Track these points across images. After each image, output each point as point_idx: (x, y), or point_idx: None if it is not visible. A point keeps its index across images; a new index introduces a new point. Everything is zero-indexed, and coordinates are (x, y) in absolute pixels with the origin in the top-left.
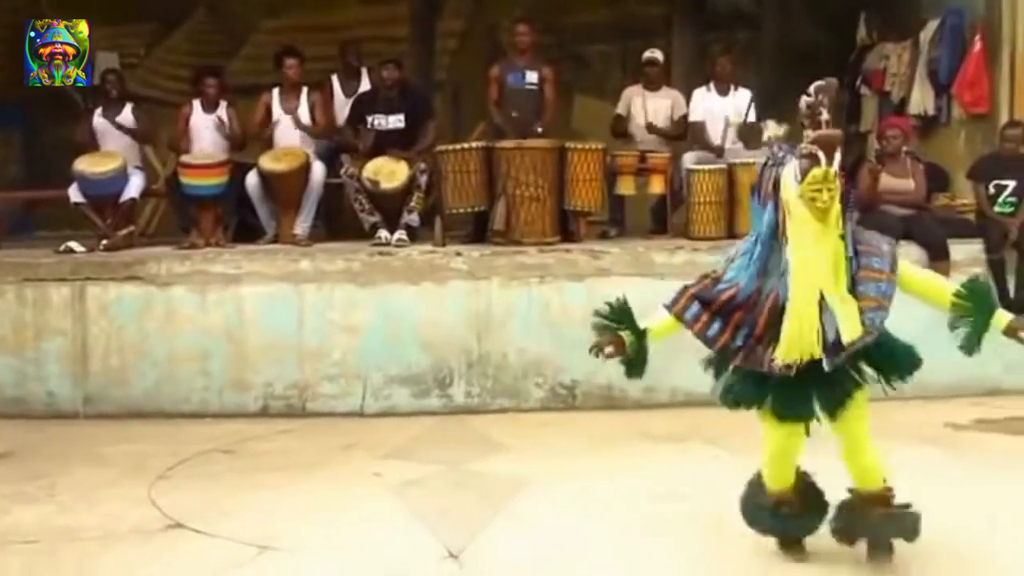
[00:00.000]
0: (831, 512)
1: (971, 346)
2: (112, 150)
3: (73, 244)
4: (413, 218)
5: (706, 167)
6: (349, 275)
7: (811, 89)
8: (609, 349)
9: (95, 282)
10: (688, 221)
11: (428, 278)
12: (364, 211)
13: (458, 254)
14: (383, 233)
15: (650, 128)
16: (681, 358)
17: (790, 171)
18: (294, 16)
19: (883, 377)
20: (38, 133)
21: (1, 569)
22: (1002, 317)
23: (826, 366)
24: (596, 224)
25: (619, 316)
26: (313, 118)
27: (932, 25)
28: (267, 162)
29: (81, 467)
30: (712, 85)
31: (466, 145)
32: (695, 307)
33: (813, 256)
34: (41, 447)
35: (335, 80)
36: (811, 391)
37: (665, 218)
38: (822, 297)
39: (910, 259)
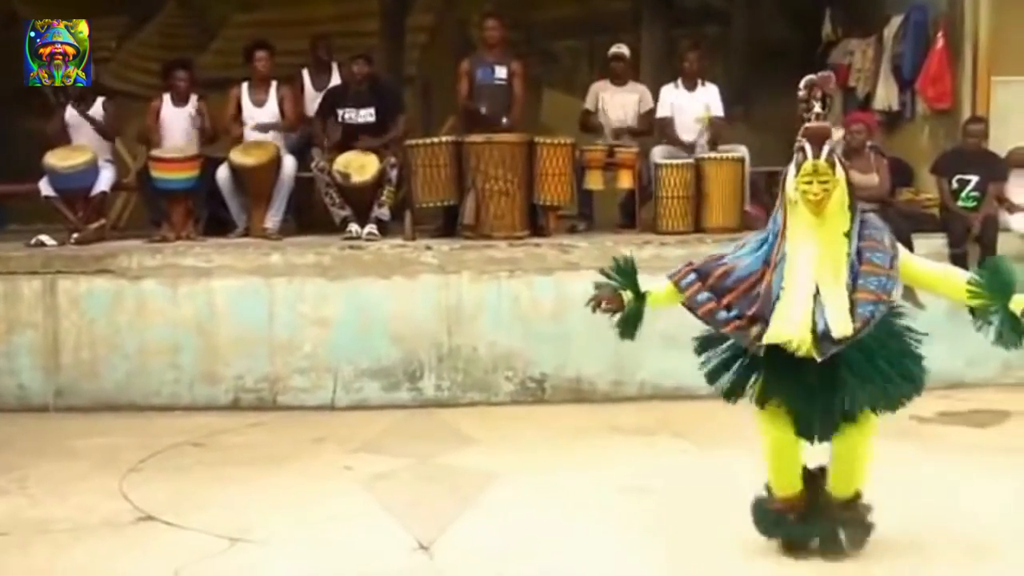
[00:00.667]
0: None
1: (1007, 339)
2: (83, 144)
3: (44, 237)
4: (383, 212)
5: (674, 162)
6: (320, 269)
7: (802, 83)
8: (606, 304)
9: (66, 275)
10: (656, 216)
11: (398, 272)
12: (335, 205)
13: (428, 248)
14: (354, 227)
15: (616, 133)
16: (650, 352)
17: (791, 167)
18: (265, 10)
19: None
20: (7, 126)
21: None
22: (1021, 300)
23: (817, 356)
24: (565, 218)
25: (624, 274)
26: (282, 111)
27: (896, 21)
28: (237, 156)
29: (52, 460)
30: (680, 81)
31: (436, 139)
32: (691, 276)
33: (809, 249)
34: (12, 440)
35: (305, 74)
36: (815, 399)
37: (634, 212)
38: (818, 291)
39: None
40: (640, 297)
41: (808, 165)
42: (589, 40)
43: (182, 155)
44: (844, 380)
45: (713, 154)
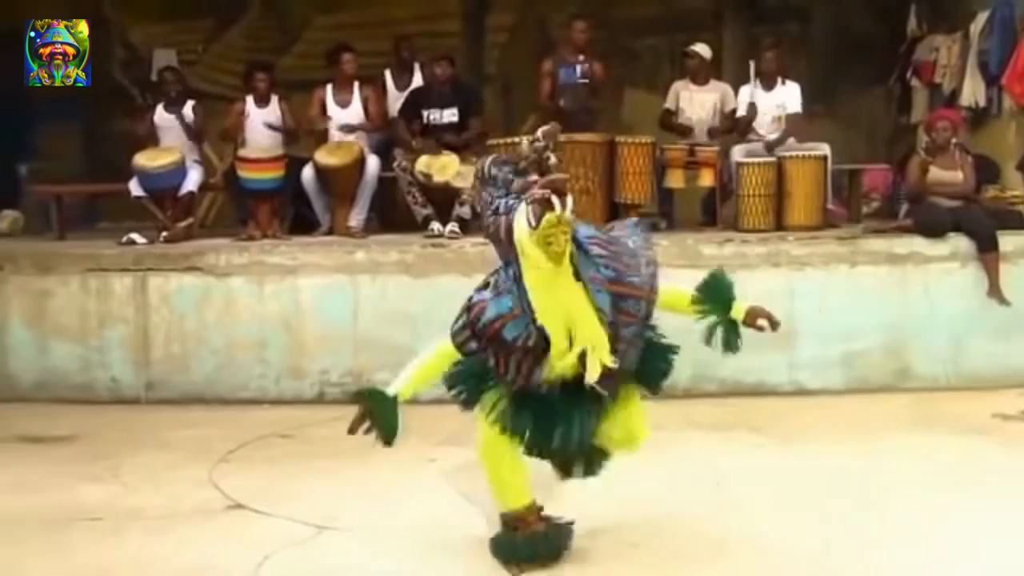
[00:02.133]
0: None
1: (731, 345)
2: (171, 145)
3: (135, 236)
4: (465, 210)
5: (755, 160)
6: (403, 266)
7: (538, 134)
8: (366, 424)
9: (156, 272)
10: (737, 213)
11: (480, 269)
12: (417, 204)
13: None
14: (436, 225)
15: (711, 133)
16: None
17: (522, 216)
18: (346, 12)
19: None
20: (99, 128)
21: (68, 544)
22: (740, 307)
23: (601, 390)
24: (646, 216)
25: (366, 396)
26: (366, 112)
27: (982, 17)
28: (322, 156)
29: (144, 450)
30: (758, 80)
31: (517, 139)
32: (473, 344)
33: (553, 298)
34: (105, 431)
35: (388, 75)
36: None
37: (715, 210)
38: (572, 329)
39: (959, 250)
40: (392, 403)
41: (553, 217)
42: (670, 39)
43: (268, 155)
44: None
45: (795, 152)
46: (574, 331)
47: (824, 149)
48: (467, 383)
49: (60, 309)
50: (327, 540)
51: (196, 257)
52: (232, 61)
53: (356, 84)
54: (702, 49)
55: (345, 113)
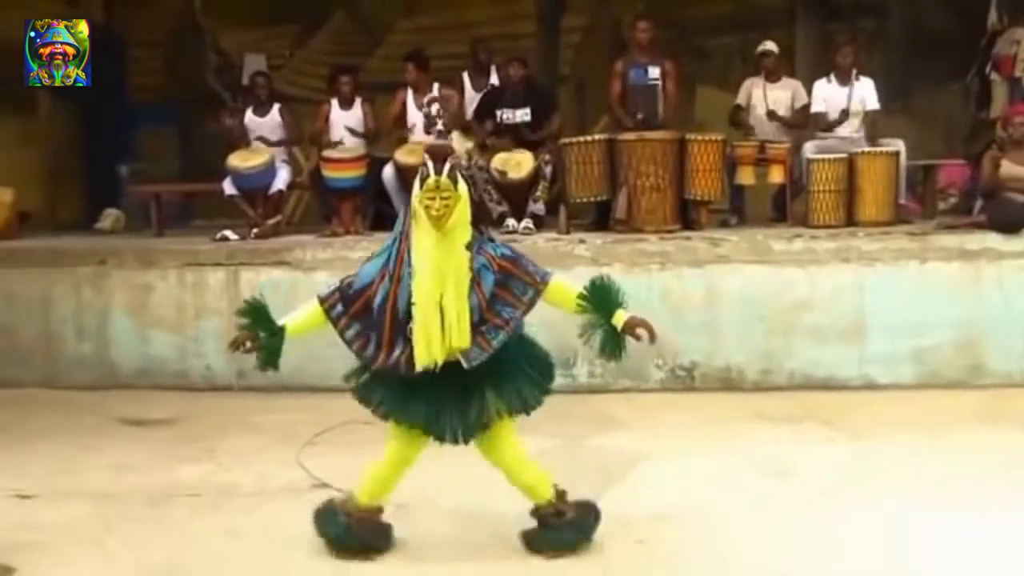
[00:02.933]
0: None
1: (607, 351)
2: (261, 147)
3: (228, 232)
4: (539, 207)
5: (827, 156)
6: None
7: (425, 100)
8: (243, 347)
9: (247, 267)
10: (808, 209)
11: (553, 264)
12: (492, 201)
13: (582, 241)
14: (510, 221)
15: (771, 115)
16: (799, 342)
17: (416, 181)
18: (427, 15)
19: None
20: (193, 130)
21: (170, 518)
22: (621, 316)
23: (464, 363)
24: (717, 213)
25: (253, 315)
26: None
27: None
28: (402, 156)
29: (236, 434)
30: (833, 75)
31: (589, 138)
32: (340, 307)
33: (431, 263)
34: (200, 415)
35: (465, 76)
36: (440, 407)
37: (785, 206)
38: (442, 302)
39: None
40: (275, 332)
41: (431, 181)
42: (743, 37)
43: (351, 155)
44: (477, 390)
45: (867, 148)
46: (444, 296)
47: (897, 145)
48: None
49: (159, 301)
50: (403, 516)
51: (284, 252)
52: (317, 65)
53: (435, 86)
54: (773, 46)
55: (429, 141)
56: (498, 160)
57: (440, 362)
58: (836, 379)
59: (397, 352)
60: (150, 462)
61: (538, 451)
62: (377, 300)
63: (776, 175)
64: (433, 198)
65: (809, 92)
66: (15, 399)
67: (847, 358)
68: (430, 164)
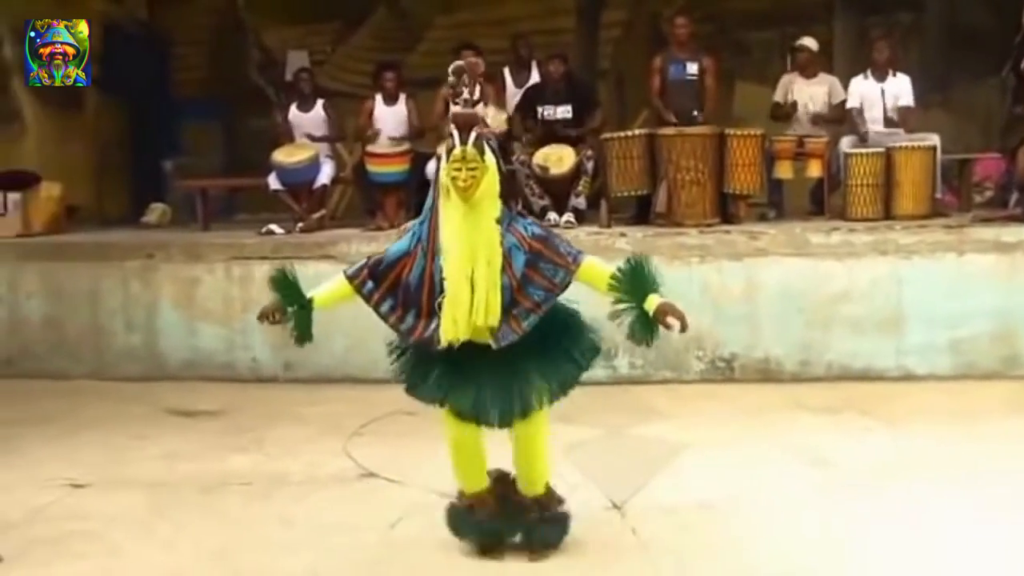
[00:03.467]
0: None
1: (637, 336)
2: (305, 141)
3: (273, 226)
4: (580, 201)
5: (864, 151)
6: None
7: (450, 69)
8: (271, 319)
9: (293, 260)
10: (845, 203)
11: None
12: (534, 195)
13: (623, 235)
14: (552, 215)
15: (814, 120)
16: (837, 334)
17: (443, 153)
18: (467, 11)
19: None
20: (235, 125)
21: (223, 505)
22: (653, 300)
23: (493, 344)
24: (755, 206)
25: (282, 287)
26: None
27: None
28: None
29: (283, 424)
30: (869, 71)
31: (630, 133)
32: (371, 283)
33: (461, 236)
34: (247, 406)
35: (507, 72)
36: (485, 391)
37: (823, 200)
38: (474, 277)
39: None
40: (305, 305)
41: (457, 152)
42: (781, 31)
43: (394, 150)
44: (523, 373)
45: (904, 143)
46: (475, 271)
47: (933, 139)
48: (412, 370)
49: (206, 294)
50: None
51: (329, 246)
52: (359, 61)
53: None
54: (810, 42)
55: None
56: (540, 156)
57: (462, 338)
58: (874, 370)
59: (433, 325)
60: (200, 452)
61: (581, 440)
62: (414, 274)
63: (814, 169)
64: (459, 169)
65: (846, 87)
66: (64, 390)
67: (885, 349)
68: (455, 134)
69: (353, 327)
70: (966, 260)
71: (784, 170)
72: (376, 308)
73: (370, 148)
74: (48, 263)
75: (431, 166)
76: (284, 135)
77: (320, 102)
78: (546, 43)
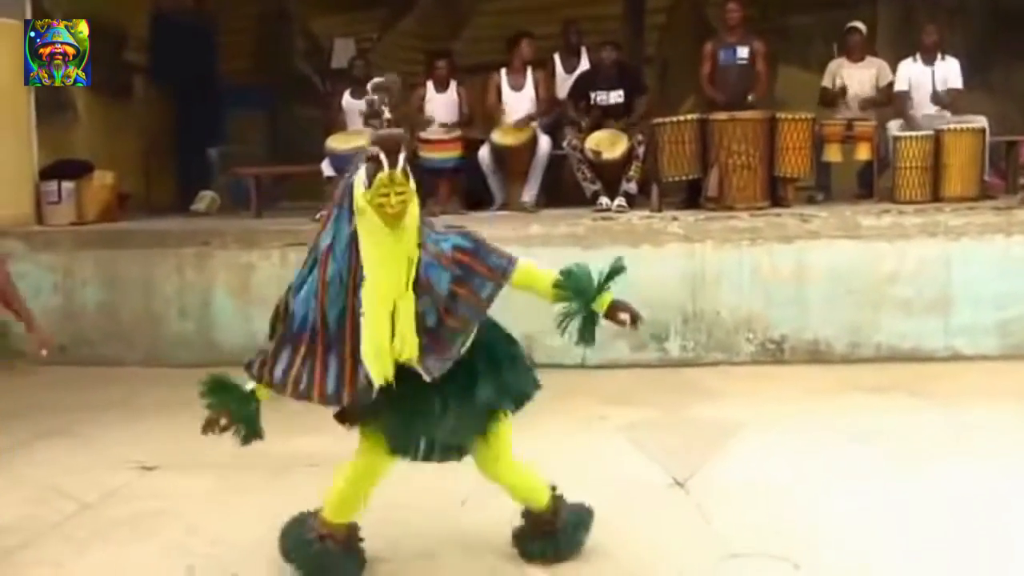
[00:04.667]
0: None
1: (582, 336)
2: (359, 128)
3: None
4: (632, 186)
5: (913, 134)
6: (574, 239)
7: (369, 87)
8: (220, 429)
9: None
10: (894, 185)
11: (647, 241)
12: (586, 180)
13: (674, 219)
14: (604, 200)
15: (863, 105)
16: (887, 315)
17: (360, 177)
18: None
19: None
20: (280, 113)
21: (294, 485)
22: (604, 300)
23: (425, 376)
24: (803, 190)
25: (216, 389)
26: (537, 94)
27: None
28: (498, 136)
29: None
30: (918, 55)
31: (681, 118)
32: (281, 366)
33: (386, 268)
34: None
35: (557, 58)
36: (427, 425)
37: (871, 183)
38: (395, 308)
39: None
40: (248, 399)
41: (384, 176)
42: (823, 16)
43: (447, 136)
44: (469, 395)
45: (953, 125)
46: (398, 303)
47: (982, 121)
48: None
49: (262, 281)
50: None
51: None
52: (405, 48)
53: (529, 68)
54: (861, 25)
55: (518, 96)
56: (592, 140)
57: (388, 377)
58: (922, 351)
59: (362, 373)
60: (266, 433)
61: (639, 420)
62: (330, 316)
63: (863, 152)
64: (387, 195)
65: (894, 70)
66: (120, 376)
67: (933, 330)
68: (383, 157)
69: None
70: (1014, 241)
71: (833, 153)
72: (293, 393)
73: (423, 135)
74: (103, 251)
75: (483, 152)
76: (337, 122)
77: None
78: (592, 29)
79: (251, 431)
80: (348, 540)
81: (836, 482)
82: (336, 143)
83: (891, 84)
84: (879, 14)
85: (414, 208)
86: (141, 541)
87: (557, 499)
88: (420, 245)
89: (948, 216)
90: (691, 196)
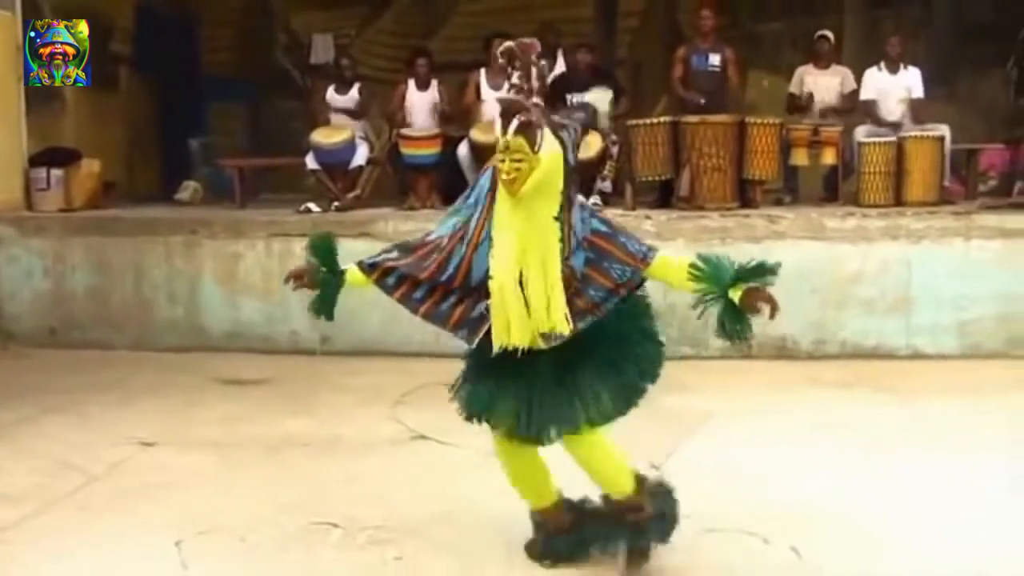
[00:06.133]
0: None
1: (728, 329)
2: (342, 123)
3: (311, 204)
4: (606, 185)
5: (877, 140)
6: None
7: (498, 51)
8: (297, 281)
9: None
10: (858, 189)
11: None
12: None
13: (647, 217)
14: (579, 197)
15: (823, 114)
16: (851, 313)
17: None
18: None
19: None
20: (260, 106)
21: (289, 462)
22: (740, 287)
23: (543, 343)
24: (771, 192)
25: (320, 251)
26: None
27: None
28: (478, 134)
29: (328, 393)
30: (883, 64)
31: (654, 120)
32: (384, 257)
33: (511, 234)
34: (292, 376)
35: None
36: (529, 406)
37: (836, 186)
38: (523, 279)
39: None
40: (337, 275)
41: (500, 142)
42: (792, 23)
43: (427, 133)
44: (568, 382)
45: (915, 132)
46: (525, 273)
47: (943, 130)
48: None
49: (248, 269)
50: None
51: (367, 224)
52: (382, 45)
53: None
54: (829, 34)
55: (499, 95)
56: None
57: (520, 345)
58: (884, 348)
59: (475, 313)
60: (256, 415)
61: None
62: (451, 263)
63: (829, 157)
64: (503, 160)
65: (858, 79)
66: (110, 360)
67: (895, 329)
68: (497, 123)
69: (390, 302)
70: (972, 245)
71: (800, 157)
72: (403, 301)
73: (404, 131)
74: (93, 237)
75: (463, 149)
76: (321, 116)
77: (357, 85)
78: (566, 31)
79: (323, 302)
80: (570, 519)
81: (803, 466)
82: (320, 137)
83: (855, 92)
84: (846, 23)
85: (545, 178)
86: (151, 507)
87: (640, 482)
88: (559, 218)
89: (910, 220)
90: (664, 196)
